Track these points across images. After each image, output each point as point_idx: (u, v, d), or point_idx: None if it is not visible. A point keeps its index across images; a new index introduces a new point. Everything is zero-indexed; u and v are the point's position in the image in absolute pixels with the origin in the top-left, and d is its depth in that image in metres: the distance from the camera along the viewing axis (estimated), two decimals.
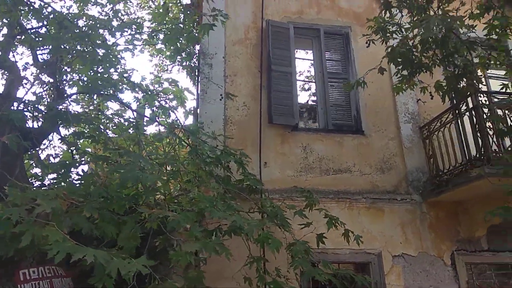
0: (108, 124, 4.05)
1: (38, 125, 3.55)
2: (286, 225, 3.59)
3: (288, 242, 3.61)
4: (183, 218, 2.80)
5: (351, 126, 5.48)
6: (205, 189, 3.71)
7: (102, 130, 3.57)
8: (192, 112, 6.22)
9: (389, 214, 4.97)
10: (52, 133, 3.68)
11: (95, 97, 4.53)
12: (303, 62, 10.10)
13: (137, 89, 4.27)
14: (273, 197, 4.56)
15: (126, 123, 3.94)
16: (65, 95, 3.67)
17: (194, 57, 5.63)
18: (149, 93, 4.20)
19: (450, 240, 5.02)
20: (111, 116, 4.20)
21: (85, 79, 4.14)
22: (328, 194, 4.88)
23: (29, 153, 3.46)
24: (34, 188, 2.93)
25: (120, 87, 3.99)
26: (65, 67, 3.90)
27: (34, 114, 3.37)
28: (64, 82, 4.03)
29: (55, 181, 2.88)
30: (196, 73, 6.00)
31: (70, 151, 3.91)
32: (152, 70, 8.53)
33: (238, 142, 4.94)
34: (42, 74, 4.47)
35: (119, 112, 4.82)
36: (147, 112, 5.35)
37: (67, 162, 2.90)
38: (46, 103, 3.48)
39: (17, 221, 2.12)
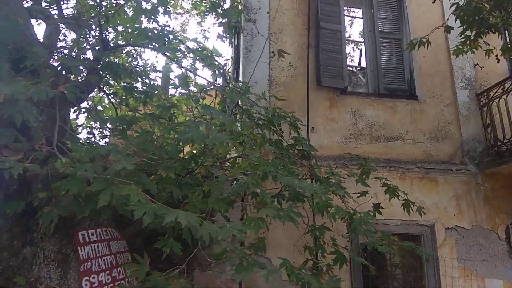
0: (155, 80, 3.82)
1: (83, 78, 3.34)
2: (347, 193, 3.40)
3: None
4: (252, 182, 2.62)
5: (404, 90, 5.18)
6: (265, 153, 3.52)
7: (153, 85, 3.35)
8: (225, 72, 5.92)
9: (443, 185, 4.76)
10: (97, 87, 3.47)
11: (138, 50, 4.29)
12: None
13: (182, 45, 4.00)
14: (320, 164, 4.36)
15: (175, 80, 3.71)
16: (110, 47, 3.42)
17: (234, 13, 5.28)
18: (197, 49, 3.92)
19: (506, 213, 4.82)
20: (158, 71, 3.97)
21: (130, 30, 3.89)
22: (378, 163, 4.65)
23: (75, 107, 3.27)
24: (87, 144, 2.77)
25: (165, 41, 3.72)
26: (102, 20, 3.62)
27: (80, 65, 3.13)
28: (107, 34, 3.78)
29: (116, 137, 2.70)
30: (236, 31, 5.68)
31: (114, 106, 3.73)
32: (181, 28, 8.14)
33: (284, 105, 4.69)
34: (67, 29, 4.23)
35: (168, 67, 4.55)
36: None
37: (126, 118, 2.70)
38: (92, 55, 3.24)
39: (89, 179, 1.96)
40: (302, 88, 4.87)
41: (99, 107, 4.54)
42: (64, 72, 2.77)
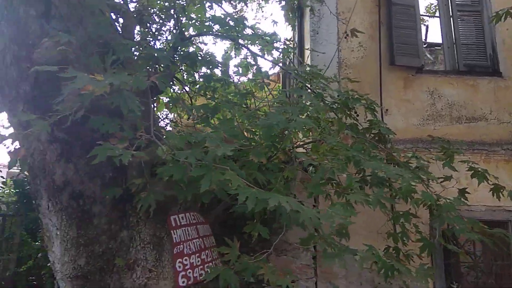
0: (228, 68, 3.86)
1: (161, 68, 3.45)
2: (433, 178, 3.24)
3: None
4: (337, 167, 2.57)
5: (486, 67, 4.81)
6: (344, 137, 3.44)
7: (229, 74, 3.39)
8: (296, 56, 5.83)
9: None
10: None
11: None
12: None
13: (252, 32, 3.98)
14: (396, 148, 4.18)
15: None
16: (186, 37, 3.49)
17: None
18: (267, 34, 3.89)
19: None
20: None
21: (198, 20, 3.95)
22: (460, 145, 4.38)
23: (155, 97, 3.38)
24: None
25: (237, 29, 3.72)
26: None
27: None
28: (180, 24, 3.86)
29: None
30: (298, 13, 5.57)
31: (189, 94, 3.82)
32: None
33: (355, 87, 4.55)
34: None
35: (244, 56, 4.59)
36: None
37: (210, 106, 2.76)
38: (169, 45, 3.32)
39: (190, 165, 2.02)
40: (374, 68, 4.70)
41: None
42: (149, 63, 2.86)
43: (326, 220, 1.84)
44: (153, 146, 2.40)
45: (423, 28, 8.35)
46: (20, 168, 2.71)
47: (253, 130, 2.87)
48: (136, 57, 2.66)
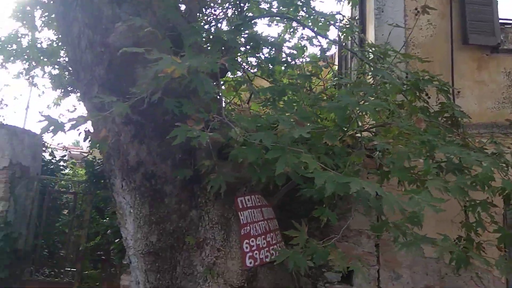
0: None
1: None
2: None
3: None
4: (413, 152, 2.44)
5: None
6: (417, 120, 3.28)
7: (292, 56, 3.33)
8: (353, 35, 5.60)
9: None
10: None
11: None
12: None
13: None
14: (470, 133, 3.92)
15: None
16: (249, 18, 3.45)
17: None
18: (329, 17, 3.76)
19: None
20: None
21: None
22: None
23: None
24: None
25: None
26: None
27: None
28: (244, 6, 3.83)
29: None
30: None
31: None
32: None
33: (424, 68, 4.31)
34: None
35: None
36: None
37: (276, 88, 2.73)
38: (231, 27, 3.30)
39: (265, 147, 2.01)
40: (444, 48, 4.41)
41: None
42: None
43: (413, 206, 1.76)
44: (223, 128, 2.42)
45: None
46: (98, 149, 2.85)
47: (319, 113, 2.80)
48: (204, 40, 2.67)
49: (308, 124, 2.19)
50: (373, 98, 2.63)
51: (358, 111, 2.63)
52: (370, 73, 3.55)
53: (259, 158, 2.01)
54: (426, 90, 3.75)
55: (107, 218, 5.55)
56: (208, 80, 1.99)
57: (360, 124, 3.41)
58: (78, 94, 10.54)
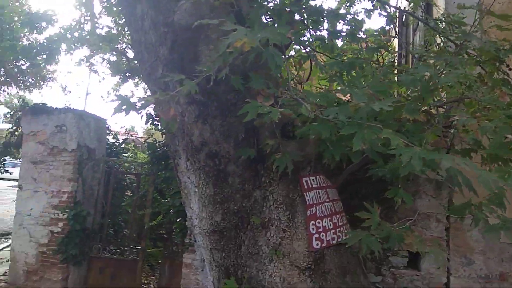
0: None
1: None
2: None
3: None
4: (501, 128, 2.21)
5: None
6: (501, 94, 3.00)
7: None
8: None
9: None
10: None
11: None
12: None
13: None
14: None
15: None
16: None
17: None
18: None
19: None
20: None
21: None
22: None
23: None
24: None
25: None
26: None
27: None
28: None
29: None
30: None
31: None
32: None
33: (503, 37, 3.91)
34: None
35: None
36: None
37: (341, 62, 2.59)
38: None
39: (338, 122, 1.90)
40: None
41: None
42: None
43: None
44: (291, 105, 2.33)
45: None
46: (165, 130, 2.89)
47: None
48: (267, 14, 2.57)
49: (383, 98, 2.04)
50: (450, 70, 2.41)
51: (438, 84, 2.42)
52: (441, 44, 3.27)
53: (332, 135, 1.91)
54: (507, 61, 3.41)
55: (168, 199, 5.72)
56: (278, 53, 1.91)
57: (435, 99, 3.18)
58: (136, 80, 10.97)
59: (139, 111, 2.50)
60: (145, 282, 6.11)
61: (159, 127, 5.23)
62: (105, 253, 5.48)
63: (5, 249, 7.53)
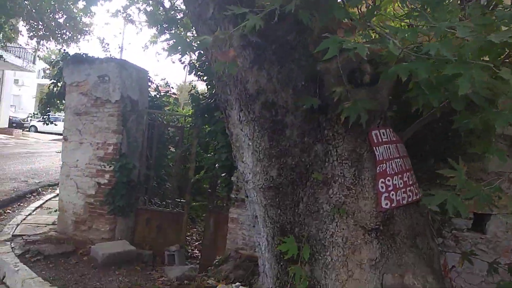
0: None
1: None
2: None
3: None
4: None
5: None
6: None
7: None
8: None
9: None
10: None
11: None
12: None
13: None
14: None
15: None
16: None
17: None
18: None
19: None
20: None
21: None
22: None
23: None
24: None
25: None
26: None
27: None
28: None
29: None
30: None
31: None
32: None
33: None
34: None
35: None
36: None
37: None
38: None
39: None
40: None
41: None
42: None
43: None
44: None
45: None
46: (217, 76, 2.64)
47: None
48: None
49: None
50: None
51: None
52: None
53: (432, 75, 1.59)
54: None
55: (211, 153, 5.61)
56: None
57: None
58: (173, 31, 10.68)
59: (195, 52, 2.26)
60: (187, 234, 6.17)
61: (203, 78, 4.99)
62: (151, 205, 5.51)
63: (52, 199, 7.83)
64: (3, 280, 4.05)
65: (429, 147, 3.74)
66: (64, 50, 5.64)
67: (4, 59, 17.31)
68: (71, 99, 5.26)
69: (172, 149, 6.23)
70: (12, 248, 4.61)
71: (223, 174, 4.89)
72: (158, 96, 6.26)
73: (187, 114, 5.88)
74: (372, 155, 2.58)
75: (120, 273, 4.28)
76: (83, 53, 5.28)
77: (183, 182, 6.07)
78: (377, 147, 2.51)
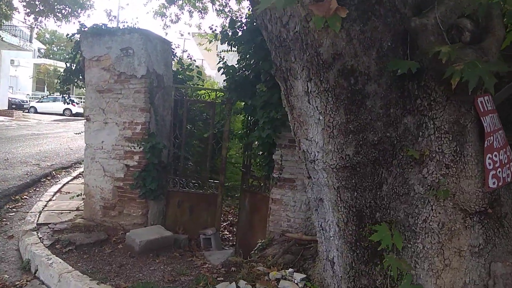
0: None
1: None
2: None
3: None
4: None
5: None
6: None
7: None
8: None
9: None
10: None
11: None
12: None
13: None
14: None
15: None
16: None
17: None
18: None
19: None
20: None
21: None
22: None
23: None
24: None
25: None
26: None
27: None
28: None
29: None
30: None
31: None
32: None
33: None
34: None
35: None
36: None
37: None
38: None
39: None
40: None
41: None
42: None
43: None
44: None
45: None
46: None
47: None
48: None
49: None
50: None
51: None
52: None
53: None
54: None
55: (244, 130, 5.25)
56: None
57: None
58: (181, 3, 10.13)
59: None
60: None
61: (237, 48, 4.56)
62: (182, 187, 5.22)
63: (70, 183, 7.55)
64: (36, 274, 3.80)
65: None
66: (80, 23, 5.17)
67: (2, 37, 16.76)
68: (92, 76, 4.87)
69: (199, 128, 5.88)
70: (40, 238, 4.35)
71: (262, 153, 4.56)
72: (181, 70, 5.84)
73: (217, 88, 5.47)
74: (475, 127, 2.24)
75: (160, 261, 4.03)
76: (102, 24, 4.84)
77: (215, 161, 5.75)
78: (484, 117, 2.17)
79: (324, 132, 2.60)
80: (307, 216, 4.30)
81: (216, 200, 5.22)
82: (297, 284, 3.50)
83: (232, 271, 3.81)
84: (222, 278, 3.64)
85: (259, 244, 4.49)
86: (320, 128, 2.62)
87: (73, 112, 25.05)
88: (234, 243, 6.19)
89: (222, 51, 5.41)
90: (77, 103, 24.92)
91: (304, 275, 3.57)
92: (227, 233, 6.50)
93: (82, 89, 5.72)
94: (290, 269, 3.69)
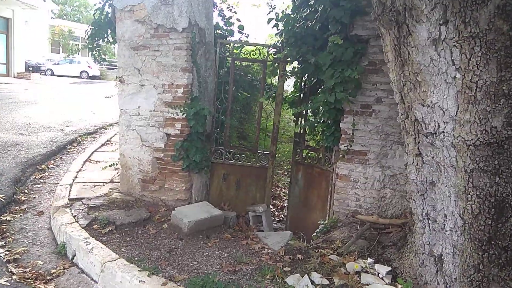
0: None
1: None
2: None
3: None
4: None
5: None
6: None
7: None
8: None
9: None
10: None
11: None
12: None
13: None
14: None
15: None
16: None
17: None
18: None
19: None
20: None
21: None
22: None
23: None
24: None
25: None
26: None
27: None
28: None
29: None
30: None
31: None
32: None
33: None
34: None
35: None
36: None
37: None
38: None
39: None
40: None
41: None
42: None
43: None
44: None
45: None
46: None
47: None
48: None
49: None
50: None
51: None
52: None
53: None
54: None
55: (299, 93, 4.59)
56: None
57: None
58: None
59: None
60: None
61: None
62: (228, 158, 4.67)
63: (98, 150, 7.11)
64: (73, 261, 3.37)
65: None
66: None
67: None
68: (124, 30, 4.24)
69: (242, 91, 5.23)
70: (74, 217, 3.90)
71: (322, 121, 3.94)
72: (224, 22, 5.11)
73: (268, 44, 4.77)
74: None
75: (213, 244, 3.55)
76: None
77: (264, 130, 5.14)
78: None
79: (460, 95, 1.96)
80: (380, 196, 3.71)
81: (266, 173, 4.67)
82: (382, 279, 2.97)
83: (298, 259, 3.31)
84: (288, 268, 3.14)
85: (322, 225, 3.96)
86: (453, 90, 1.98)
87: (90, 74, 24.80)
88: (281, 218, 5.71)
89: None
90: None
91: (389, 268, 3.04)
92: (273, 208, 6.01)
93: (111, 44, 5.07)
94: (370, 260, 3.15)
